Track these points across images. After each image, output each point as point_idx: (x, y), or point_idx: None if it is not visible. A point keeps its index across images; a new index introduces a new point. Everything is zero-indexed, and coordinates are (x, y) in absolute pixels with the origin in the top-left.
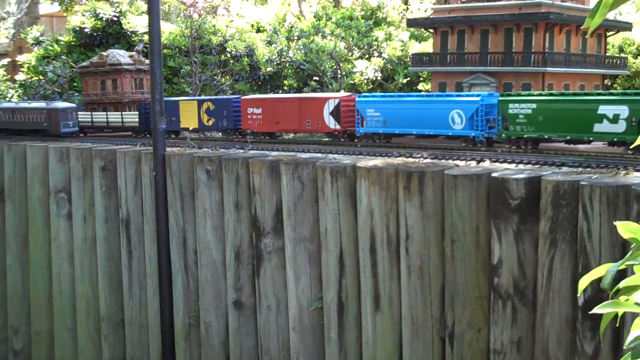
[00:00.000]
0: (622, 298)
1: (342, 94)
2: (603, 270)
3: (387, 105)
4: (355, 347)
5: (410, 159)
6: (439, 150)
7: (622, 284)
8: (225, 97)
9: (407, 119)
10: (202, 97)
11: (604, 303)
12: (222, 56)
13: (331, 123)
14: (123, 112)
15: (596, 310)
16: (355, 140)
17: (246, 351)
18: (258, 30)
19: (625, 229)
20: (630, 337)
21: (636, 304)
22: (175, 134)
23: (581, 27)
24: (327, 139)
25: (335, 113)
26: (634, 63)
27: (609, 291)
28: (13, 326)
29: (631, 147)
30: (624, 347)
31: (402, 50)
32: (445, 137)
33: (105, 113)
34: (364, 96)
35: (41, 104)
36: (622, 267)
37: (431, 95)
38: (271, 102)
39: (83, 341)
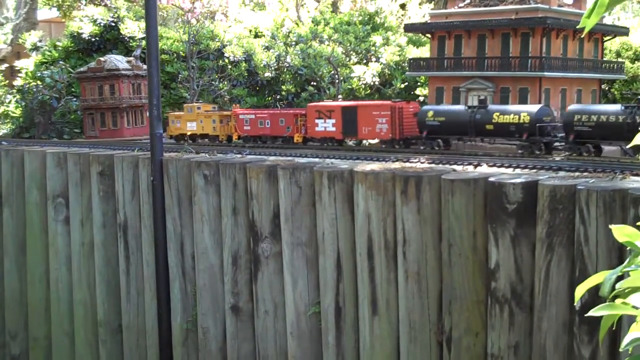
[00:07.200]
0: (619, 301)
1: None
2: (600, 278)
3: None
4: (353, 352)
5: (408, 164)
6: None
7: (619, 285)
8: None
9: None
10: None
11: (600, 305)
12: (220, 61)
13: None
14: None
15: (592, 312)
16: None
17: (244, 356)
18: (256, 36)
19: (621, 232)
20: (626, 340)
21: (633, 306)
22: None
23: (577, 27)
24: None
25: None
26: (632, 68)
27: (608, 298)
28: (10, 332)
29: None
30: (620, 350)
31: (399, 55)
32: None
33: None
34: None
35: None
36: (620, 274)
37: None
38: None
39: (81, 346)
